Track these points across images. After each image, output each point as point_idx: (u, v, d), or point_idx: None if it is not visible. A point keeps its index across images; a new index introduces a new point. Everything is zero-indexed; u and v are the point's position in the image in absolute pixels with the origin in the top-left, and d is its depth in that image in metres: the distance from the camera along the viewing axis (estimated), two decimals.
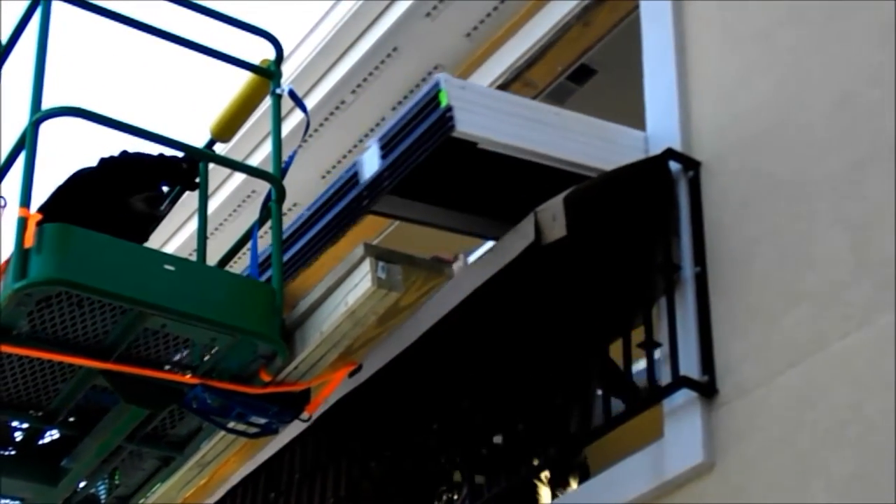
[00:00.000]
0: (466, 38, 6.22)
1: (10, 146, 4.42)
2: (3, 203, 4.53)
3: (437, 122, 4.52)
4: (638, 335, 4.51)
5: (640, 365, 4.54)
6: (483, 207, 5.11)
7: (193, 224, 6.43)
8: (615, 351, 4.65)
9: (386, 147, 4.74)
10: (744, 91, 4.52)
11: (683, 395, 4.24)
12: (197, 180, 5.18)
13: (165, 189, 5.18)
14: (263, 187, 5.63)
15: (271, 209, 4.62)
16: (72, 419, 4.65)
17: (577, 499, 4.71)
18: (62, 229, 4.15)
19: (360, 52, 6.41)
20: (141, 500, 5.02)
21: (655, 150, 4.69)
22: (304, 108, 5.00)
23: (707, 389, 4.20)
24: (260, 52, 4.89)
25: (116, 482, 4.94)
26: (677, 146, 4.63)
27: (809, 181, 4.17)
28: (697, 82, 4.73)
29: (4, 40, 4.73)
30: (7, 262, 4.17)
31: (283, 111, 5.03)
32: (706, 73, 4.71)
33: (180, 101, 16.57)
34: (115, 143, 4.86)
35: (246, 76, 4.97)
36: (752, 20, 4.59)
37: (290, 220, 5.28)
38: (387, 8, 6.26)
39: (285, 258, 5.07)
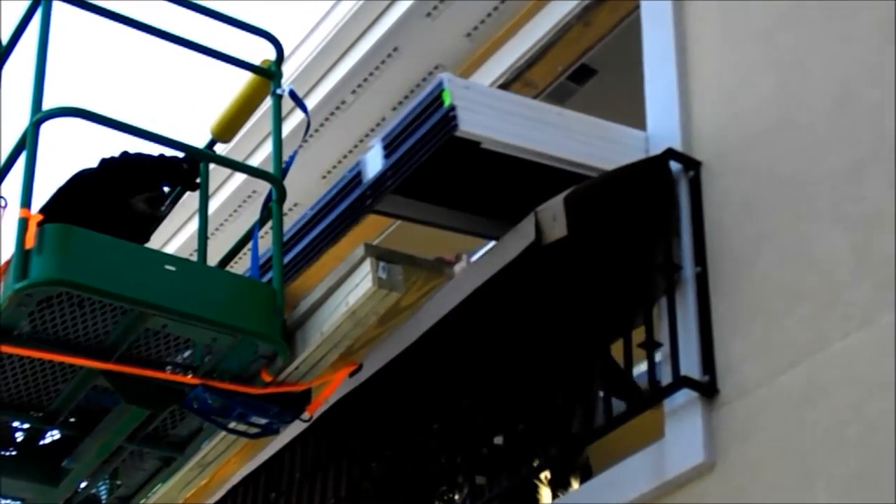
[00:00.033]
0: (467, 38, 6.22)
1: (11, 147, 4.42)
2: (3, 204, 4.53)
3: (441, 121, 4.53)
4: (639, 335, 4.51)
5: (641, 367, 4.54)
6: (484, 207, 5.12)
7: (194, 224, 6.43)
8: (616, 351, 4.65)
9: (389, 146, 4.74)
10: (744, 91, 4.52)
11: (684, 395, 4.24)
12: (198, 181, 5.18)
13: (166, 189, 5.18)
14: (264, 187, 5.63)
15: (272, 209, 4.62)
16: (72, 419, 4.65)
17: (578, 499, 4.71)
18: (63, 230, 4.16)
19: (360, 53, 6.41)
20: (142, 501, 5.02)
21: (656, 149, 4.69)
22: (304, 109, 5.00)
23: (708, 389, 4.21)
24: (260, 52, 4.90)
25: (117, 482, 4.94)
26: (678, 146, 4.63)
27: (810, 181, 4.17)
28: (698, 82, 4.73)
29: (5, 41, 4.73)
30: (8, 262, 4.17)
31: (284, 111, 5.03)
32: (707, 73, 4.72)
33: (181, 101, 16.57)
34: (116, 144, 4.87)
35: (246, 76, 4.97)
36: (752, 20, 4.59)
37: (291, 220, 5.29)
38: (387, 8, 6.26)
39: (288, 258, 5.09)
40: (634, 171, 4.60)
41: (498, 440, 4.95)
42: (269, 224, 4.66)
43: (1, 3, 5.24)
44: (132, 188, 4.96)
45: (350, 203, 4.92)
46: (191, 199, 5.53)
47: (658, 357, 4.43)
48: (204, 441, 4.81)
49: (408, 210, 5.09)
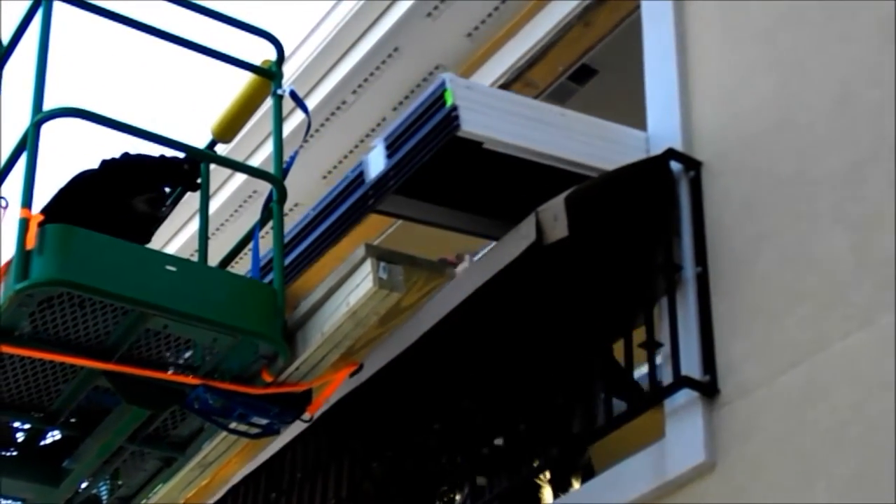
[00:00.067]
0: (467, 38, 6.22)
1: (12, 147, 4.42)
2: (4, 204, 4.53)
3: (443, 121, 4.53)
4: (639, 335, 4.51)
5: (642, 370, 4.55)
6: (485, 207, 5.12)
7: (194, 225, 6.43)
8: (616, 351, 4.65)
9: (391, 146, 4.75)
10: (745, 91, 4.52)
11: (685, 395, 4.24)
12: (198, 181, 5.19)
13: (167, 190, 5.18)
14: (265, 188, 5.63)
15: (273, 210, 4.62)
16: (73, 420, 4.65)
17: (579, 499, 4.71)
18: (64, 230, 4.16)
19: (360, 53, 6.41)
20: (143, 501, 5.03)
21: (656, 150, 4.69)
22: (305, 109, 5.00)
23: (708, 389, 4.21)
24: (261, 52, 4.90)
25: (118, 483, 4.94)
26: (678, 146, 4.63)
27: (810, 181, 4.17)
28: (698, 82, 4.73)
29: (6, 41, 4.74)
30: (9, 263, 4.18)
31: (285, 111, 5.03)
32: (707, 73, 4.72)
33: (181, 101, 16.57)
34: (117, 144, 4.87)
35: (247, 77, 4.97)
36: (753, 20, 4.59)
37: (292, 221, 5.29)
38: (388, 8, 6.27)
39: (291, 257, 5.09)
40: (635, 172, 4.60)
41: (498, 440, 4.95)
42: (270, 224, 4.66)
43: (1, 3, 5.24)
44: (133, 189, 4.97)
45: (352, 203, 4.93)
46: (191, 200, 5.53)
47: (659, 357, 4.43)
48: (205, 441, 4.82)
49: (409, 210, 5.09)
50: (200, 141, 5.19)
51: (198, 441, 4.77)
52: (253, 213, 6.14)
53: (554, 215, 4.35)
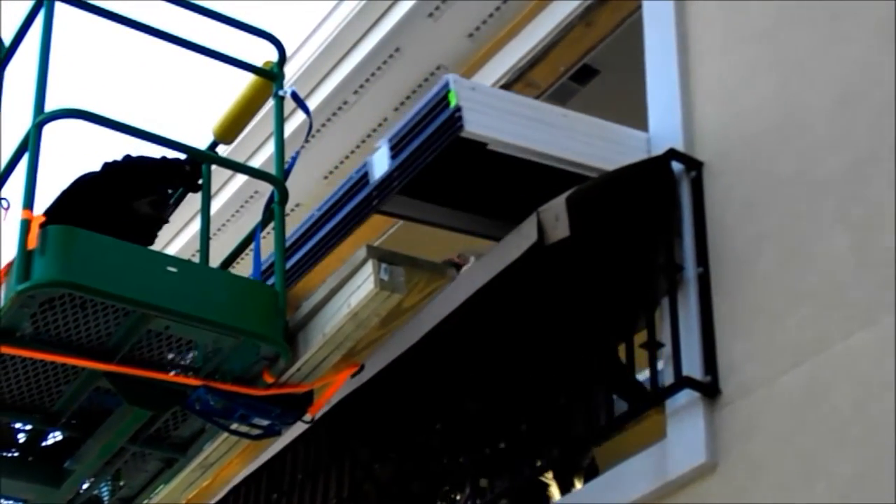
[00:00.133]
0: (469, 38, 6.22)
1: (14, 148, 4.42)
2: (6, 205, 4.53)
3: (446, 122, 4.54)
4: (641, 335, 4.51)
5: (644, 374, 4.54)
6: (487, 207, 5.12)
7: (196, 225, 6.43)
8: (618, 352, 4.65)
9: (396, 147, 4.75)
10: (746, 91, 4.52)
11: (686, 396, 4.24)
12: (199, 182, 5.19)
13: (169, 191, 5.18)
14: (266, 188, 5.63)
15: (274, 211, 4.62)
16: (75, 421, 4.65)
17: (581, 499, 4.71)
18: (65, 231, 4.16)
19: (362, 53, 6.41)
20: (144, 502, 5.02)
21: (658, 150, 4.69)
22: (306, 110, 5.00)
23: (710, 390, 4.21)
24: (262, 53, 4.90)
25: (120, 484, 4.94)
26: (680, 146, 4.63)
27: (811, 181, 4.17)
28: (700, 82, 4.73)
29: (7, 42, 4.74)
30: (10, 264, 4.18)
31: (286, 112, 5.03)
32: (708, 73, 4.72)
33: (183, 103, 16.58)
34: (118, 146, 4.87)
35: (248, 78, 4.98)
36: (754, 20, 4.59)
37: (293, 221, 5.29)
38: (389, 9, 6.27)
39: (296, 258, 5.10)
40: (636, 172, 4.60)
41: (501, 441, 4.95)
42: (272, 225, 4.66)
43: (1, 4, 5.25)
44: (135, 191, 4.97)
45: (357, 203, 4.93)
46: (193, 201, 5.53)
47: (660, 360, 4.43)
48: (206, 442, 4.82)
49: (412, 210, 5.09)
50: (202, 142, 5.19)
51: (199, 442, 4.78)
52: (254, 214, 6.14)
53: (555, 215, 4.35)
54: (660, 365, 4.44)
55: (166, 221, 5.16)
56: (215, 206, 6.89)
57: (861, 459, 3.73)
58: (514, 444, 4.88)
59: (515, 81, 6.01)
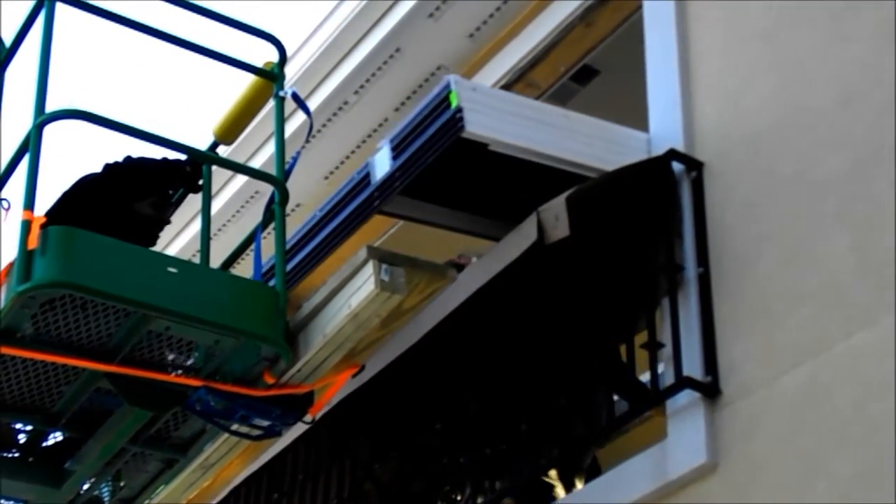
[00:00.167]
0: (469, 38, 6.22)
1: (14, 149, 4.42)
2: (6, 206, 4.53)
3: (448, 122, 4.54)
4: (641, 336, 4.51)
5: (646, 377, 4.54)
6: (488, 208, 5.12)
7: (196, 226, 6.43)
8: (618, 352, 4.65)
9: (397, 148, 4.75)
10: (747, 91, 4.52)
11: (687, 396, 4.24)
12: (200, 182, 5.19)
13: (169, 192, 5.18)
14: (266, 188, 5.63)
15: (275, 211, 4.62)
16: (75, 421, 4.65)
17: (582, 499, 4.71)
18: (66, 232, 4.16)
19: (362, 54, 6.41)
20: (145, 503, 5.03)
21: (658, 150, 4.69)
22: (307, 111, 5.00)
23: (710, 390, 4.21)
24: (263, 54, 4.90)
25: (120, 484, 4.94)
26: (680, 147, 4.63)
27: (812, 181, 4.17)
28: (700, 83, 4.73)
29: (8, 43, 4.74)
30: (11, 265, 4.18)
31: (286, 112, 5.03)
32: (709, 73, 4.71)
33: (183, 103, 16.58)
34: (119, 146, 4.87)
35: (249, 78, 4.98)
36: (754, 20, 4.59)
37: (293, 221, 5.29)
38: (389, 9, 6.27)
39: (298, 259, 5.10)
40: (637, 172, 4.60)
41: (501, 441, 4.95)
42: (273, 225, 4.67)
43: (1, 4, 5.25)
44: (136, 192, 4.97)
45: (358, 204, 4.93)
46: (193, 201, 5.53)
47: (661, 359, 4.43)
48: (206, 443, 4.82)
49: (413, 211, 5.09)
50: (202, 143, 5.20)
51: (200, 443, 4.78)
52: (255, 215, 6.14)
53: (555, 215, 4.35)
54: (660, 366, 4.44)
55: (168, 222, 5.16)
56: (216, 206, 6.89)
57: (862, 460, 3.73)
58: (514, 444, 4.88)
59: (516, 82, 6.01)
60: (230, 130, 5.19)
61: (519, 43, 6.01)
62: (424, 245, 5.29)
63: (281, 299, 4.38)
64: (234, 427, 4.62)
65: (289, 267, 5.06)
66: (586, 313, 4.74)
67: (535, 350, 4.85)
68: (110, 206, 4.85)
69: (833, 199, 4.08)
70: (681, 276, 4.44)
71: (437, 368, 5.10)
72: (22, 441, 4.81)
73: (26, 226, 4.13)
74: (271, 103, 4.92)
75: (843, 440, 3.79)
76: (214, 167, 5.13)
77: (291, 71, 6.37)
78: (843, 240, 4.00)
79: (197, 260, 4.96)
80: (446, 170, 4.73)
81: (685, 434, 4.22)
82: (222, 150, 5.45)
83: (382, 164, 4.83)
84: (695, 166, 4.57)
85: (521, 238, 4.47)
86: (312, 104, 6.36)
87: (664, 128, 4.76)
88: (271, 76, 4.88)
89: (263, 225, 4.82)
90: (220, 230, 7.08)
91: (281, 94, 4.84)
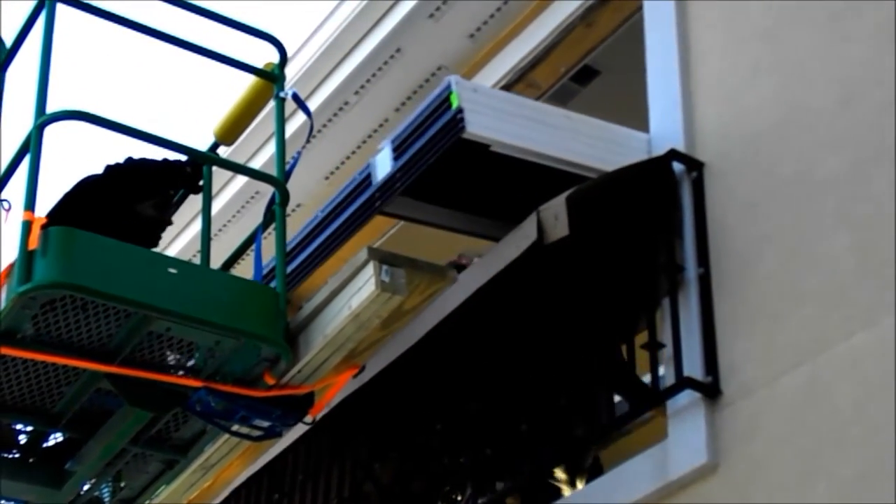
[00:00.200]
0: (470, 39, 6.22)
1: (15, 150, 4.42)
2: (7, 207, 4.53)
3: (448, 123, 4.54)
4: (641, 336, 4.51)
5: (647, 378, 4.54)
6: (488, 209, 5.12)
7: (196, 227, 6.43)
8: (618, 351, 4.65)
9: (398, 148, 4.76)
10: (747, 92, 4.52)
11: (687, 396, 4.24)
12: (200, 183, 5.18)
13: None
14: (267, 189, 5.63)
15: (275, 212, 4.62)
16: (76, 422, 4.65)
17: (582, 499, 4.71)
18: (67, 233, 4.16)
19: (363, 54, 6.41)
20: (145, 503, 5.03)
21: (659, 150, 4.69)
22: (307, 112, 5.00)
23: (711, 390, 4.21)
24: (263, 54, 4.90)
25: (121, 485, 4.94)
26: (681, 147, 4.63)
27: (813, 181, 4.17)
28: (701, 83, 4.73)
29: (9, 44, 4.74)
30: (11, 266, 4.18)
31: (287, 112, 5.03)
32: (709, 73, 4.72)
33: (184, 104, 16.58)
34: (120, 147, 4.87)
35: (249, 79, 4.98)
36: (755, 20, 4.59)
37: (294, 222, 5.29)
38: (390, 9, 6.27)
39: (300, 259, 5.10)
40: (637, 172, 4.61)
41: (501, 441, 4.95)
42: (273, 226, 4.67)
43: (1, 5, 5.25)
44: (138, 194, 4.97)
45: (360, 205, 4.93)
46: (193, 202, 5.53)
47: (661, 360, 4.43)
48: (207, 444, 4.82)
49: (414, 211, 5.09)
50: (203, 143, 5.20)
51: (200, 443, 4.78)
52: (255, 215, 6.14)
53: (555, 214, 4.36)
54: (661, 366, 4.44)
55: (170, 223, 5.16)
56: (216, 207, 6.89)
57: (862, 460, 3.73)
58: (514, 444, 4.88)
59: (516, 82, 6.01)
60: (231, 131, 5.19)
61: (519, 43, 6.01)
62: (425, 245, 5.30)
63: (281, 300, 4.38)
64: (235, 428, 4.62)
65: (291, 268, 5.07)
66: (586, 313, 4.74)
67: (535, 350, 4.85)
68: (112, 208, 4.85)
69: (833, 200, 4.08)
70: (681, 277, 4.45)
71: (438, 369, 5.10)
72: (22, 442, 4.81)
73: (27, 226, 4.13)
74: (272, 104, 4.92)
75: (844, 440, 3.79)
76: (215, 168, 5.13)
77: (292, 71, 6.37)
78: (843, 240, 4.00)
79: (197, 261, 4.95)
80: (447, 170, 4.73)
81: (686, 434, 4.22)
82: (223, 151, 5.45)
83: (384, 164, 4.83)
84: (695, 166, 4.57)
85: (521, 238, 4.47)
86: (313, 104, 6.36)
87: (664, 128, 4.76)
88: (272, 77, 4.88)
89: (264, 225, 4.82)
90: (220, 231, 7.08)
91: (281, 94, 4.84)
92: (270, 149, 6.41)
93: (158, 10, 4.72)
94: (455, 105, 4.53)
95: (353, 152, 6.75)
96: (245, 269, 5.15)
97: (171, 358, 4.41)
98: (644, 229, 4.60)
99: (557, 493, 5.04)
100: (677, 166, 4.60)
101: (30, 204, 4.19)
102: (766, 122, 4.40)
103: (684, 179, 4.58)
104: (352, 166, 6.50)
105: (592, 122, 4.85)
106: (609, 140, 4.81)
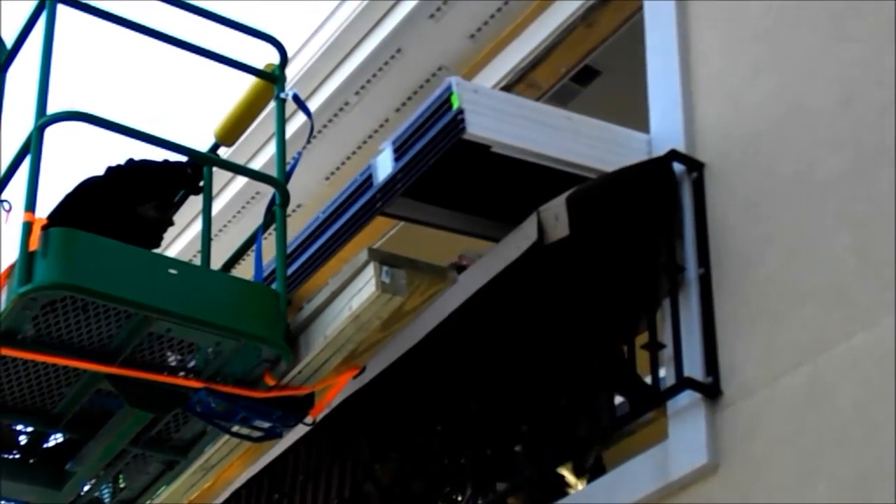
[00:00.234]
0: (470, 39, 6.22)
1: (16, 150, 4.42)
2: (8, 207, 4.54)
3: (449, 124, 4.54)
4: (642, 337, 4.51)
5: (647, 379, 4.54)
6: (489, 209, 5.12)
7: (197, 227, 6.43)
8: (619, 352, 4.65)
9: (399, 150, 4.76)
10: (748, 92, 4.52)
11: (688, 397, 4.24)
12: (201, 184, 5.19)
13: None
14: (267, 189, 5.63)
15: (275, 213, 4.62)
16: (76, 423, 4.65)
17: (583, 499, 4.71)
18: (67, 234, 4.16)
19: (363, 54, 6.41)
20: None
21: (659, 151, 4.69)
22: (307, 113, 5.00)
23: (711, 391, 4.21)
24: (264, 55, 4.90)
25: (121, 486, 4.95)
26: (681, 147, 4.63)
27: (813, 182, 4.17)
28: (701, 83, 4.73)
29: (10, 44, 4.74)
30: (12, 266, 4.18)
31: (287, 113, 5.03)
32: (710, 73, 4.72)
33: (184, 105, 16.58)
34: (120, 148, 4.87)
35: (250, 80, 4.98)
36: (755, 21, 4.59)
37: (294, 222, 5.29)
38: (390, 10, 6.27)
39: (301, 261, 5.10)
40: (637, 172, 4.61)
41: (501, 441, 4.95)
42: (273, 227, 4.67)
43: (1, 5, 5.25)
44: (139, 195, 4.97)
45: (361, 206, 4.94)
46: (194, 203, 5.53)
47: (662, 360, 4.43)
48: (207, 444, 4.82)
49: (415, 212, 5.09)
50: (203, 144, 5.20)
51: (200, 444, 4.78)
52: (255, 216, 6.14)
53: (555, 215, 4.36)
54: (661, 367, 4.44)
55: (171, 224, 5.16)
56: (216, 207, 6.89)
57: (863, 460, 3.73)
58: (515, 445, 4.88)
59: (517, 82, 6.01)
60: (231, 132, 5.19)
61: (520, 44, 6.01)
62: (425, 246, 5.30)
63: (282, 301, 4.38)
64: (235, 429, 4.62)
65: (292, 269, 5.07)
66: (587, 314, 4.74)
67: (535, 351, 4.85)
68: (114, 209, 4.85)
69: (833, 199, 4.08)
70: (682, 277, 4.45)
71: (438, 369, 5.10)
72: (23, 442, 4.81)
73: (27, 227, 4.13)
74: (272, 105, 4.92)
75: (844, 440, 3.79)
76: (215, 168, 5.13)
77: (292, 71, 6.37)
78: (843, 240, 4.00)
79: (198, 261, 4.96)
80: (448, 171, 4.73)
81: (686, 435, 4.22)
82: (223, 152, 5.45)
83: (384, 166, 4.83)
84: (696, 167, 4.57)
85: (522, 238, 4.47)
86: (313, 105, 6.36)
87: (665, 128, 4.76)
88: (272, 78, 4.88)
89: (264, 226, 4.82)
90: (220, 231, 7.08)
91: (282, 95, 4.84)
92: (271, 149, 6.41)
93: (158, 10, 4.73)
94: (456, 106, 4.53)
95: (354, 153, 6.75)
96: (246, 270, 5.15)
97: (172, 359, 4.41)
98: (644, 230, 4.60)
99: (563, 491, 5.04)
100: (678, 167, 4.60)
101: (30, 205, 4.19)
102: (767, 122, 4.40)
103: (685, 180, 4.58)
104: (352, 167, 6.50)
105: (593, 123, 4.85)
106: (609, 140, 4.81)
